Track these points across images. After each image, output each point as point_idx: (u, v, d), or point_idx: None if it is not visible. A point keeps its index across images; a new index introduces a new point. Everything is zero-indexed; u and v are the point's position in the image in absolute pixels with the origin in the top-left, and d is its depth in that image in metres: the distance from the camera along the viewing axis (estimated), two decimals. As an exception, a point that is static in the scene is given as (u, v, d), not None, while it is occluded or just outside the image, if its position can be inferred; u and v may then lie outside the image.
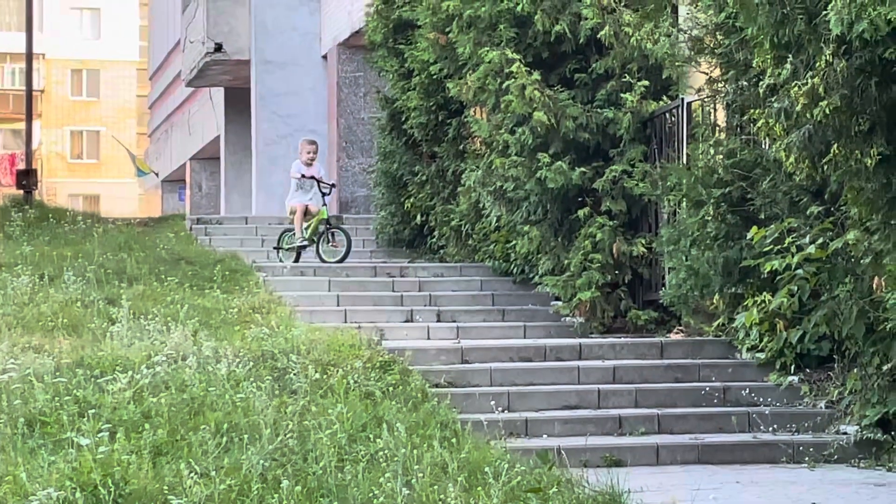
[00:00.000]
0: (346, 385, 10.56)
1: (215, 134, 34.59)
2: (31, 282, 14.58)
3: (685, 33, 12.92)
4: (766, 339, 12.22)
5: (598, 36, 14.43)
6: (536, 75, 14.47)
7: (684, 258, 12.85)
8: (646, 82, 14.45)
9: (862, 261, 10.82)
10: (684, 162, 13.42)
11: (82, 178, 71.75)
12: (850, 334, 11.16)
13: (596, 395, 11.83)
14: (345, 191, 25.44)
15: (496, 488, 8.00)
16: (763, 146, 12.43)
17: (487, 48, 14.90)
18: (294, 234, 18.45)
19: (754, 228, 12.06)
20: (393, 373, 11.21)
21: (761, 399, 11.75)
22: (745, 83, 12.19)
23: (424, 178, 19.09)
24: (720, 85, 12.92)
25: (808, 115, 9.44)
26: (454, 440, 9.29)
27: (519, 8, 14.80)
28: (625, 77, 14.55)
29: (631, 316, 14.40)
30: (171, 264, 16.67)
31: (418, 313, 15.19)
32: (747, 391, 11.84)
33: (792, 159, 9.98)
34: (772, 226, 12.02)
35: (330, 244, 18.17)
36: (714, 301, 12.97)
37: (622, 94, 14.51)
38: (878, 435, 10.72)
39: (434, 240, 18.99)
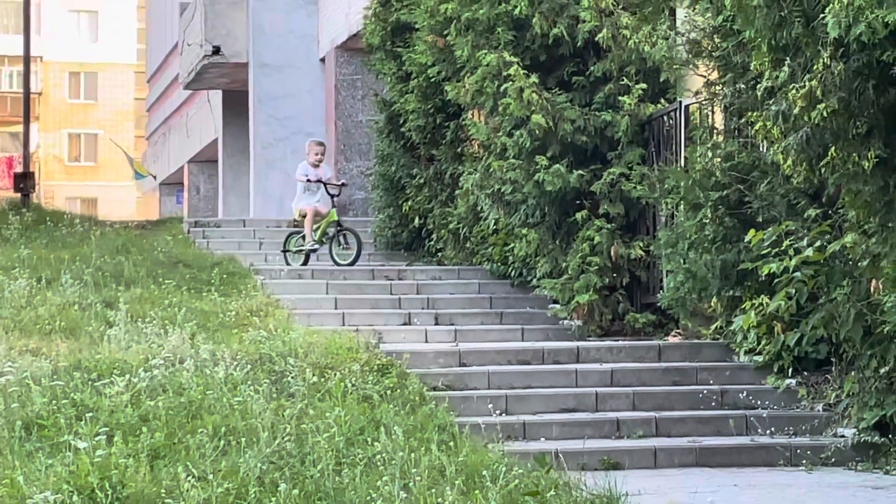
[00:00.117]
0: (343, 388, 10.55)
1: (213, 137, 34.60)
2: (29, 285, 14.58)
3: (683, 36, 12.92)
4: (763, 342, 12.22)
5: (596, 39, 14.43)
6: (534, 78, 14.47)
7: (682, 261, 12.86)
8: (643, 85, 14.45)
9: (860, 264, 10.82)
10: (682, 165, 13.42)
11: (80, 180, 71.75)
12: (847, 337, 11.16)
13: (594, 398, 11.82)
14: (342, 193, 25.41)
15: (494, 492, 8.00)
16: (761, 149, 12.43)
17: (485, 51, 14.90)
18: (302, 235, 18.35)
19: (752, 231, 12.05)
20: (390, 376, 11.20)
21: (759, 402, 11.75)
22: (742, 86, 12.20)
23: (422, 180, 19.09)
24: (718, 88, 12.92)
25: (805, 118, 9.44)
26: (452, 443, 9.30)
27: (517, 11, 14.80)
28: (623, 80, 14.56)
29: (629, 319, 14.40)
30: (169, 267, 16.67)
31: (416, 316, 15.20)
32: (745, 394, 11.84)
33: (790, 162, 9.98)
34: (769, 228, 12.01)
35: (342, 247, 18.08)
36: (712, 304, 12.97)
37: (620, 97, 14.51)
38: (876, 438, 10.72)
39: (432, 243, 18.99)
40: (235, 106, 31.62)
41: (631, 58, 14.32)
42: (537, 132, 14.41)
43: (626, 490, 8.44)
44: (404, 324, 15.01)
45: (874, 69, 9.22)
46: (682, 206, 12.93)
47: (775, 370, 12.08)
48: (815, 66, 9.28)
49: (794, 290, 11.78)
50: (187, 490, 7.81)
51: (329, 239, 18.13)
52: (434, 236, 18.83)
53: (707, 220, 12.55)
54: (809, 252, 11.59)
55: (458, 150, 18.08)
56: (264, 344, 11.86)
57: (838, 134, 9.53)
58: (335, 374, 10.93)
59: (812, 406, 11.63)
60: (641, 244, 14.35)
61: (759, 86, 10.32)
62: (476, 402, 11.45)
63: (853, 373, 11.35)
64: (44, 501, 7.50)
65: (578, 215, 14.57)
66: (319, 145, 18.91)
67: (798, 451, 10.75)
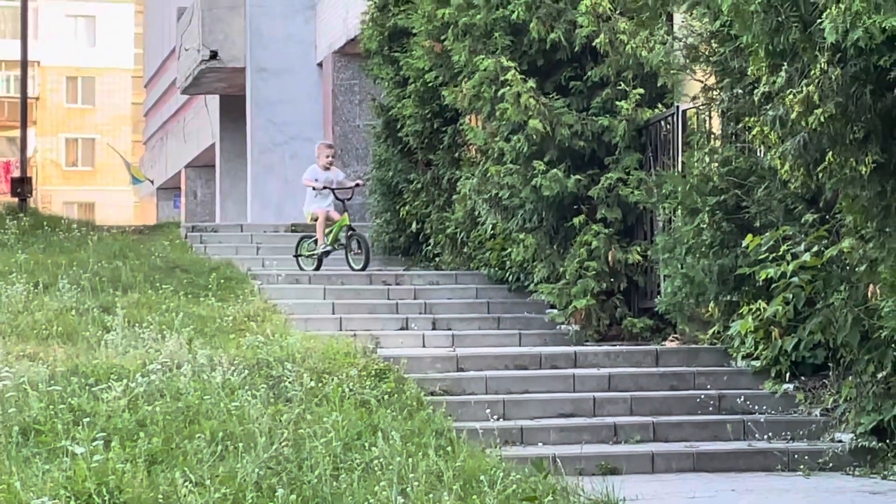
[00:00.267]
0: (341, 393, 10.55)
1: (210, 142, 34.59)
2: (26, 290, 14.57)
3: (680, 41, 12.93)
4: (761, 347, 12.22)
5: (594, 44, 14.44)
6: (532, 83, 14.48)
7: (679, 266, 12.85)
8: (641, 90, 14.47)
9: (857, 269, 10.82)
10: (679, 170, 13.43)
11: (77, 185, 71.71)
12: (845, 342, 11.16)
13: (591, 402, 11.82)
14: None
15: (491, 497, 8.00)
16: (758, 154, 12.43)
17: (483, 56, 14.91)
18: (314, 240, 18.28)
19: (749, 236, 12.06)
20: (388, 381, 11.20)
21: (756, 407, 11.75)
22: (740, 91, 12.21)
23: (420, 185, 19.09)
24: (715, 93, 12.93)
25: (802, 123, 9.45)
26: (449, 448, 9.29)
27: (514, 16, 14.81)
28: (620, 85, 14.57)
29: (626, 324, 14.40)
30: (166, 272, 16.67)
31: (413, 321, 15.19)
32: (742, 399, 11.84)
33: (787, 167, 9.99)
34: (767, 234, 12.02)
35: (353, 252, 18.00)
36: (709, 309, 12.98)
37: (617, 102, 14.53)
38: (873, 443, 10.72)
39: (429, 247, 18.99)
40: (233, 111, 31.62)
41: (628, 63, 14.33)
42: (535, 137, 14.42)
43: (623, 495, 8.44)
44: (402, 329, 15.01)
45: (871, 74, 9.23)
46: (679, 211, 12.93)
47: (773, 375, 12.08)
48: (812, 71, 9.29)
49: (791, 295, 11.78)
50: (185, 495, 7.80)
51: (342, 245, 18.02)
52: (431, 241, 18.84)
53: (704, 225, 12.56)
54: (807, 257, 11.60)
55: (456, 154, 18.08)
56: (262, 349, 11.86)
57: (835, 139, 9.54)
58: (332, 380, 10.93)
59: (809, 411, 11.63)
60: (639, 249, 14.36)
61: (756, 91, 10.33)
62: (473, 407, 11.45)
63: (850, 378, 11.35)
64: (41, 507, 7.50)
65: (576, 220, 14.57)
66: (329, 147, 18.80)
67: (796, 456, 10.75)
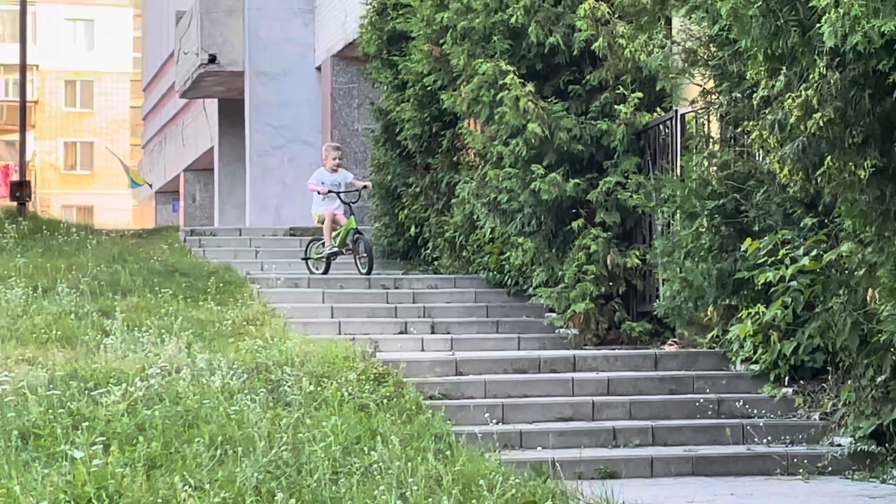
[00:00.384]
0: (340, 397, 10.55)
1: (209, 145, 34.58)
2: (25, 294, 14.58)
3: (679, 45, 12.93)
4: (760, 351, 12.22)
5: (592, 48, 14.45)
6: (530, 87, 14.49)
7: (678, 270, 12.85)
8: (640, 94, 14.48)
9: (856, 273, 10.83)
10: (678, 174, 13.43)
11: (76, 189, 71.70)
12: (843, 346, 11.17)
13: (590, 407, 11.82)
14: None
15: (490, 501, 8.00)
16: (757, 158, 12.43)
17: (481, 60, 14.91)
18: (322, 243, 18.26)
19: (748, 240, 12.07)
20: (387, 385, 11.20)
21: (755, 411, 11.75)
22: (738, 95, 12.21)
23: (418, 189, 19.09)
24: (714, 97, 12.94)
25: (801, 127, 9.45)
26: (448, 452, 9.29)
27: (513, 20, 14.82)
28: (619, 89, 14.58)
29: (625, 328, 14.40)
30: (165, 276, 16.66)
31: (412, 325, 15.19)
32: (741, 403, 11.84)
33: (786, 171, 9.99)
34: (766, 238, 12.03)
35: (359, 256, 17.97)
36: (708, 313, 12.98)
37: (616, 106, 14.53)
38: (873, 447, 10.72)
39: (428, 251, 18.98)
40: (231, 114, 31.60)
41: (627, 67, 14.34)
42: (533, 141, 14.42)
43: (622, 499, 8.45)
44: (401, 333, 15.01)
45: (870, 78, 9.24)
46: (678, 215, 12.93)
47: (772, 379, 12.08)
48: (811, 76, 9.30)
49: (790, 299, 11.79)
50: (184, 500, 7.80)
51: (349, 249, 17.97)
52: (430, 245, 18.83)
53: (703, 229, 12.56)
54: (806, 261, 11.61)
55: (455, 158, 18.08)
56: (261, 353, 11.86)
57: (834, 143, 9.54)
58: (331, 384, 10.93)
59: (808, 415, 11.63)
60: (637, 253, 14.36)
61: (755, 95, 10.32)
62: (472, 411, 11.45)
63: (849, 382, 11.35)
64: (40, 511, 7.50)
65: (574, 224, 14.58)
66: (337, 150, 18.74)
67: (795, 459, 10.75)
